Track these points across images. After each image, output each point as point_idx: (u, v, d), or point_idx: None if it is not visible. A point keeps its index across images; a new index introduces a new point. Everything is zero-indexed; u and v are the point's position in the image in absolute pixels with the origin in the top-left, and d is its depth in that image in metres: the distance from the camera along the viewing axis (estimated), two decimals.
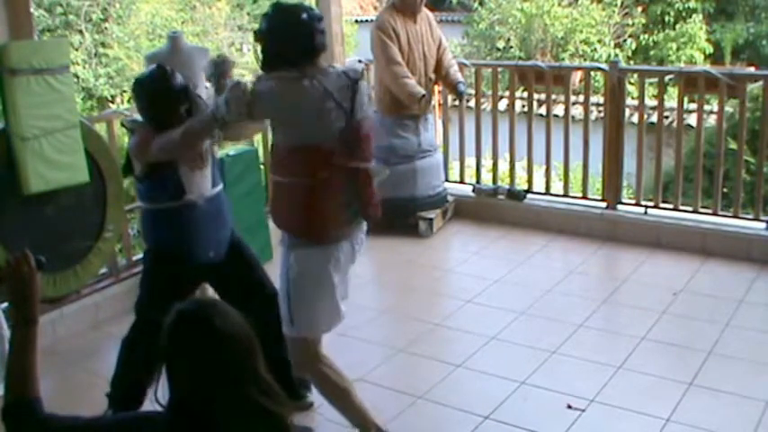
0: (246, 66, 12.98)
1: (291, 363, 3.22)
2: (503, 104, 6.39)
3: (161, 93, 3.11)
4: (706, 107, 5.47)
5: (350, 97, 2.72)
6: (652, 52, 12.42)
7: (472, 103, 5.91)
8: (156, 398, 1.68)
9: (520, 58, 11.97)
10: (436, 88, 5.64)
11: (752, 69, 7.91)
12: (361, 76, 2.81)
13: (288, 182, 2.78)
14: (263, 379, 1.69)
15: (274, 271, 4.89)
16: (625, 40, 12.61)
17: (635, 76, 6.62)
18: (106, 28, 13.05)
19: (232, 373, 1.65)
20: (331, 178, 2.71)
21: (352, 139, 2.73)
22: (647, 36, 12.55)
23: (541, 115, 5.82)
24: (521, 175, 5.74)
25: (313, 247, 2.80)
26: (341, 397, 2.98)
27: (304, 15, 2.72)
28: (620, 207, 5.31)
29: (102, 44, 12.89)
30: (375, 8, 15.42)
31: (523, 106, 5.78)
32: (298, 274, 2.82)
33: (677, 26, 12.33)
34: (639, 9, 12.86)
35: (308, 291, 2.83)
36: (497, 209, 5.63)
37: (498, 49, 12.80)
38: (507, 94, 5.90)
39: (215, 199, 3.25)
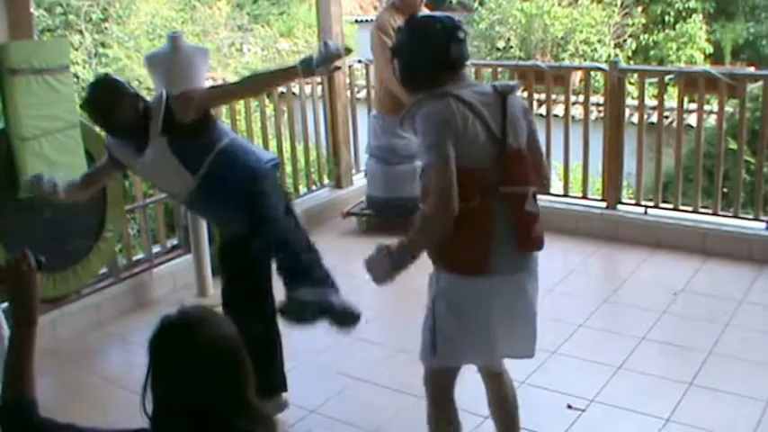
0: (247, 66, 12.99)
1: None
2: None
3: (102, 105, 3.11)
4: (706, 107, 5.47)
5: (499, 116, 2.49)
6: (652, 52, 12.41)
7: None
8: (144, 410, 1.61)
9: (520, 58, 11.95)
10: None
11: (752, 69, 7.91)
12: (512, 90, 2.55)
13: None
14: (250, 405, 1.60)
15: (274, 271, 4.85)
16: (625, 40, 12.61)
17: (635, 76, 6.61)
18: (106, 28, 13.04)
19: (211, 393, 1.56)
20: (481, 206, 2.44)
21: (504, 162, 2.48)
22: (647, 36, 12.54)
23: (541, 115, 5.81)
24: None
25: (461, 278, 2.54)
26: None
27: (437, 26, 2.52)
28: (620, 207, 5.31)
29: (102, 44, 12.88)
30: (375, 8, 15.40)
31: None
32: (445, 306, 2.59)
33: (677, 26, 12.32)
34: (639, 9, 12.85)
35: (453, 324, 2.59)
36: None
37: (498, 49, 12.78)
38: None
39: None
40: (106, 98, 3.10)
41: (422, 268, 5.21)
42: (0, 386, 1.76)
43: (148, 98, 3.30)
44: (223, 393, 1.57)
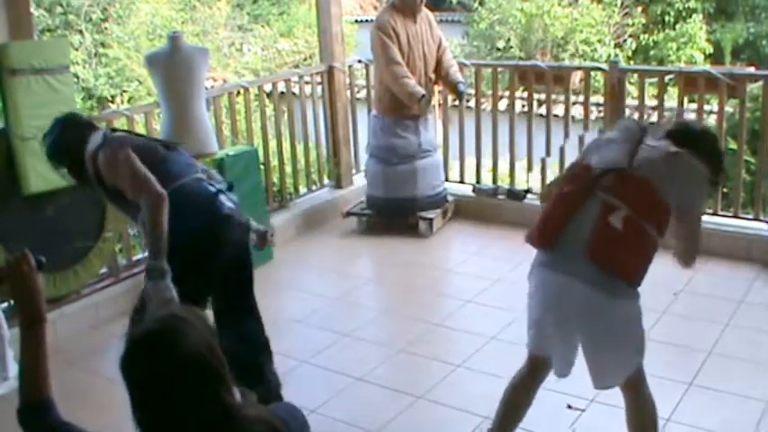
0: (247, 66, 12.99)
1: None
2: (503, 104, 6.38)
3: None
4: (706, 107, 5.46)
5: (631, 147, 2.67)
6: (652, 52, 12.41)
7: (472, 103, 5.90)
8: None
9: (520, 58, 11.95)
10: (436, 88, 5.64)
11: (752, 69, 7.90)
12: (668, 158, 2.65)
13: None
14: (233, 406, 1.57)
15: (275, 271, 4.87)
16: (625, 40, 12.61)
17: (635, 76, 6.62)
18: (106, 28, 13.05)
19: (189, 402, 1.54)
20: (578, 192, 2.65)
21: (620, 176, 2.62)
22: (647, 36, 12.53)
23: (541, 115, 5.81)
24: (521, 175, 5.74)
25: (537, 256, 2.78)
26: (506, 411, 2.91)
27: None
28: None
29: (102, 44, 12.89)
30: (375, 8, 15.40)
31: (523, 106, 5.77)
32: (530, 288, 2.83)
33: (677, 26, 12.32)
34: (639, 9, 12.84)
35: (530, 307, 2.84)
36: (497, 209, 5.63)
37: (498, 49, 12.78)
38: (507, 94, 5.90)
39: None
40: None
41: (421, 269, 5.21)
42: (18, 387, 1.76)
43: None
44: (201, 401, 1.54)
